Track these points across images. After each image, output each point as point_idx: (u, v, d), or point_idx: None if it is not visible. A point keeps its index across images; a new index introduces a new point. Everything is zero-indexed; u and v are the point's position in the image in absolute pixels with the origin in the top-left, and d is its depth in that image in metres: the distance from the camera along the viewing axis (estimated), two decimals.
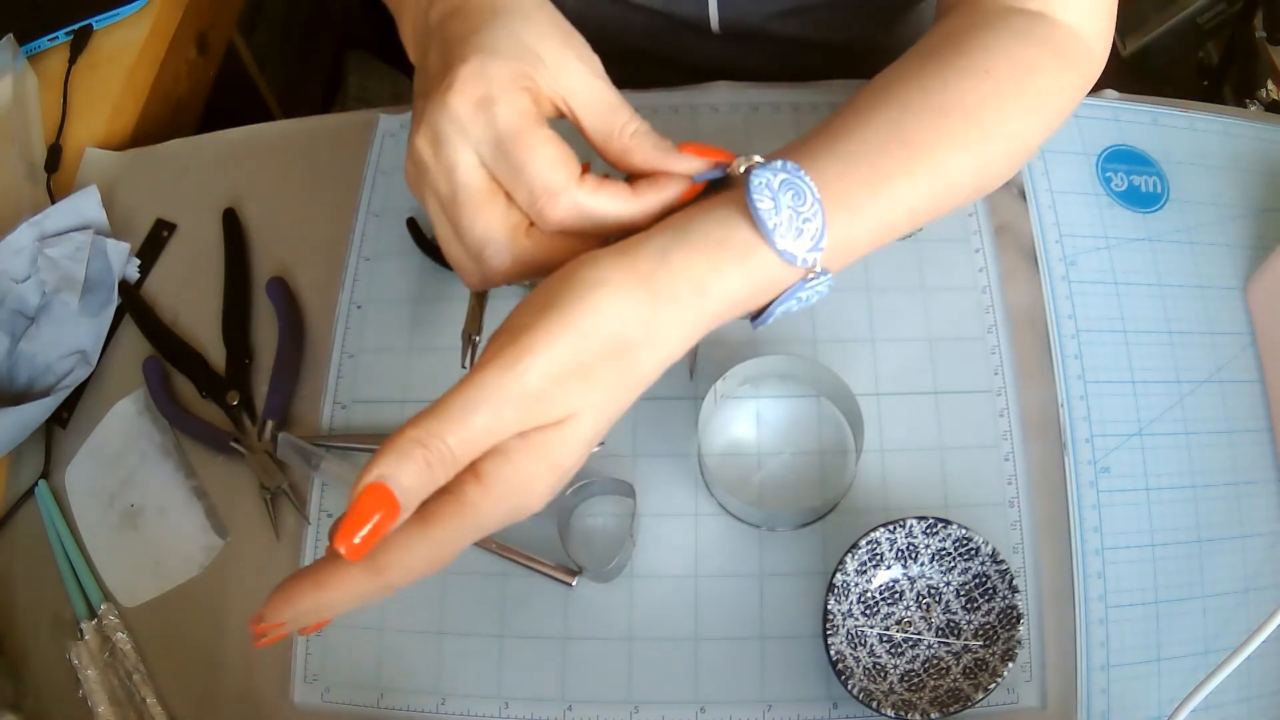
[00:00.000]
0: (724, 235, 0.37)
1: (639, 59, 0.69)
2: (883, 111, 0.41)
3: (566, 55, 0.38)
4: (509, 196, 0.38)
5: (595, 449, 0.54)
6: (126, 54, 0.73)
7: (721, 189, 0.40)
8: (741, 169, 0.38)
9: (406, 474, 0.32)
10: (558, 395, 0.34)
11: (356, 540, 0.32)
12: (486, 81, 0.37)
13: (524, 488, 0.35)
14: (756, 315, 0.40)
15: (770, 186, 0.37)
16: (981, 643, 0.50)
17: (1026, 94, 0.44)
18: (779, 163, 0.38)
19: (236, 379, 0.60)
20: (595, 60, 0.39)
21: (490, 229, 0.38)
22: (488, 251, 0.39)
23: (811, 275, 0.39)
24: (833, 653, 0.48)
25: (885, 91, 0.42)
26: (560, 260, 0.38)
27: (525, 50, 0.37)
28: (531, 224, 0.39)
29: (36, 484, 0.60)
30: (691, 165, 0.39)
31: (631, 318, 0.35)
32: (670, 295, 0.36)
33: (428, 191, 0.39)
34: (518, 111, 0.37)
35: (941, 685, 0.49)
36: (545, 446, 0.35)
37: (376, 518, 0.32)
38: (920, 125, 0.41)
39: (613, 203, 0.38)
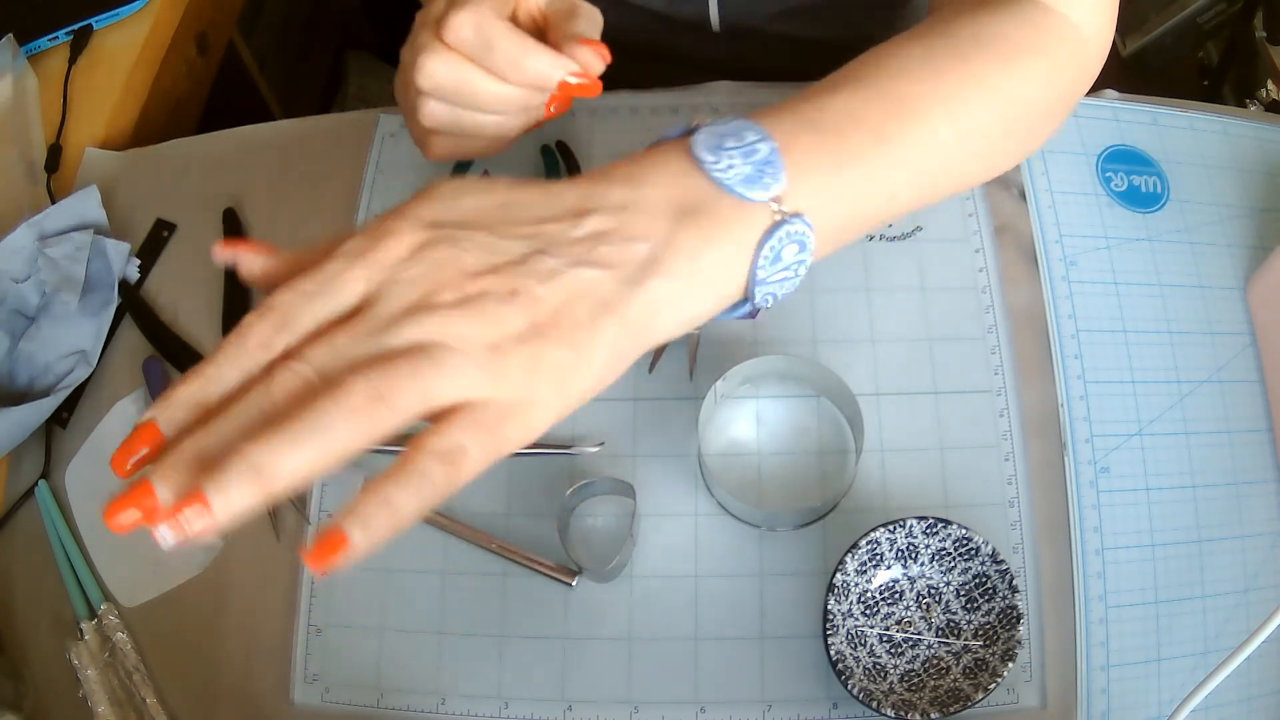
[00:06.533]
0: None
1: (639, 58, 0.69)
2: (872, 71, 0.43)
3: None
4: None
5: (595, 449, 0.55)
6: (126, 54, 0.73)
7: None
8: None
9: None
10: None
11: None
12: None
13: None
14: (745, 301, 0.39)
15: (706, 145, 0.38)
16: (981, 643, 0.50)
17: (1018, 68, 0.46)
18: (701, 126, 0.39)
19: None
20: None
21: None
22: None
23: (780, 217, 0.37)
24: (833, 653, 0.48)
25: (878, 56, 0.44)
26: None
27: None
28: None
29: (36, 484, 0.60)
30: (570, 62, 0.46)
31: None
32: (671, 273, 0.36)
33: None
34: None
35: (941, 685, 0.49)
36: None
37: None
38: (910, 84, 0.43)
39: (506, 35, 0.44)
